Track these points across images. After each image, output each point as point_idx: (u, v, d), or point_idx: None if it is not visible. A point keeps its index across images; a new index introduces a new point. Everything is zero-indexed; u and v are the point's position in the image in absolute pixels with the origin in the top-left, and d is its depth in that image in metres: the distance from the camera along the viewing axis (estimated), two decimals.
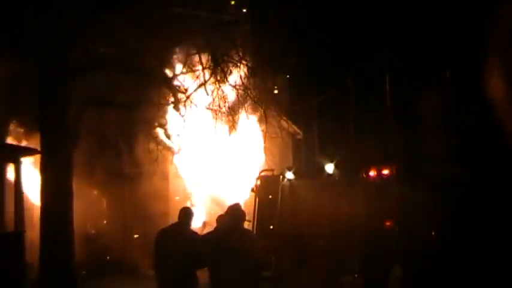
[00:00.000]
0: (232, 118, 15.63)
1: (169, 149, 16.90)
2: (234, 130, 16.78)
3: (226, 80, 14.77)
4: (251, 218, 13.51)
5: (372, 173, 12.51)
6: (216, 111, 15.70)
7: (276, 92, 16.38)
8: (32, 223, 13.70)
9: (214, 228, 10.03)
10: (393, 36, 15.45)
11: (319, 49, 15.88)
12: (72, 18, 12.61)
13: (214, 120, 16.19)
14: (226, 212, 9.87)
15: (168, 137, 16.57)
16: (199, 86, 14.95)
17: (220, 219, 10.10)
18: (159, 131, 16.57)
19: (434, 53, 14.82)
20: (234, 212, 9.64)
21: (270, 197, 13.95)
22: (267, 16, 14.30)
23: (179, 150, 17.25)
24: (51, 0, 12.48)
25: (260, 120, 16.59)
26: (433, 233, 11.71)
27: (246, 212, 11.96)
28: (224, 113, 15.51)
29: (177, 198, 18.54)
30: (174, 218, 10.04)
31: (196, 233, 9.91)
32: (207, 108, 15.92)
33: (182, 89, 15.02)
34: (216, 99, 15.36)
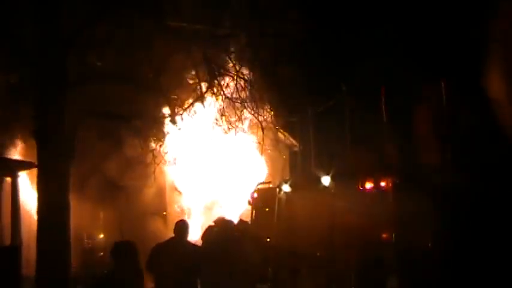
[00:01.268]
0: (230, 130, 15.66)
1: (166, 161, 16.90)
2: (231, 142, 16.83)
3: (223, 93, 14.81)
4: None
5: (368, 185, 12.51)
6: (213, 123, 15.75)
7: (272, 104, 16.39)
8: (29, 236, 13.69)
9: (205, 240, 10.10)
10: (389, 46, 15.50)
11: (315, 60, 15.91)
12: (70, 29, 12.63)
13: (211, 132, 16.25)
14: (216, 224, 9.96)
15: (164, 149, 16.57)
16: (196, 99, 14.99)
17: (209, 231, 10.17)
18: (156, 144, 16.57)
19: (431, 62, 14.87)
20: (227, 224, 9.73)
21: (267, 209, 13.97)
22: (264, 28, 14.34)
23: (176, 163, 17.26)
24: (49, 11, 12.49)
25: (257, 133, 16.62)
26: (429, 245, 11.71)
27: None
28: (221, 125, 15.55)
29: (178, 209, 18.57)
30: (171, 231, 10.07)
31: (194, 245, 9.95)
32: (204, 121, 15.97)
33: (179, 101, 15.05)
34: (213, 111, 15.42)
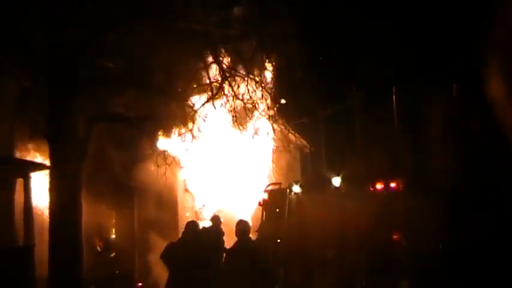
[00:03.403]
0: (240, 131, 15.68)
1: (177, 163, 16.94)
2: (242, 143, 16.86)
3: (234, 94, 14.83)
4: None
5: (379, 186, 12.54)
6: (223, 124, 15.79)
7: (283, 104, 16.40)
8: (41, 237, 13.79)
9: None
10: (400, 48, 15.48)
11: (326, 61, 15.92)
12: (80, 34, 12.69)
13: (223, 134, 16.29)
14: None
15: (176, 151, 16.61)
16: (207, 100, 15.02)
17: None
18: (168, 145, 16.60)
19: (442, 64, 14.83)
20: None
21: (278, 210, 14.00)
22: (275, 28, 14.32)
23: (187, 164, 17.31)
24: (59, 17, 12.56)
25: (268, 134, 16.63)
26: (440, 246, 11.71)
27: (253, 225, 12.09)
28: (232, 126, 15.57)
29: (187, 214, 18.64)
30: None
31: (202, 244, 10.18)
32: (216, 123, 16.01)
33: (190, 103, 15.09)
34: (224, 113, 15.44)
